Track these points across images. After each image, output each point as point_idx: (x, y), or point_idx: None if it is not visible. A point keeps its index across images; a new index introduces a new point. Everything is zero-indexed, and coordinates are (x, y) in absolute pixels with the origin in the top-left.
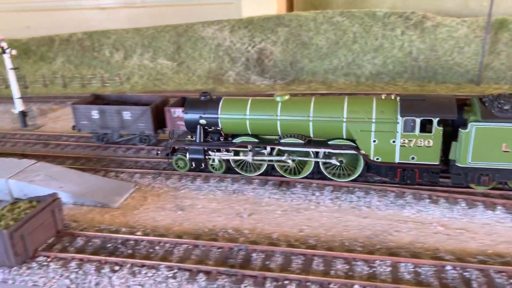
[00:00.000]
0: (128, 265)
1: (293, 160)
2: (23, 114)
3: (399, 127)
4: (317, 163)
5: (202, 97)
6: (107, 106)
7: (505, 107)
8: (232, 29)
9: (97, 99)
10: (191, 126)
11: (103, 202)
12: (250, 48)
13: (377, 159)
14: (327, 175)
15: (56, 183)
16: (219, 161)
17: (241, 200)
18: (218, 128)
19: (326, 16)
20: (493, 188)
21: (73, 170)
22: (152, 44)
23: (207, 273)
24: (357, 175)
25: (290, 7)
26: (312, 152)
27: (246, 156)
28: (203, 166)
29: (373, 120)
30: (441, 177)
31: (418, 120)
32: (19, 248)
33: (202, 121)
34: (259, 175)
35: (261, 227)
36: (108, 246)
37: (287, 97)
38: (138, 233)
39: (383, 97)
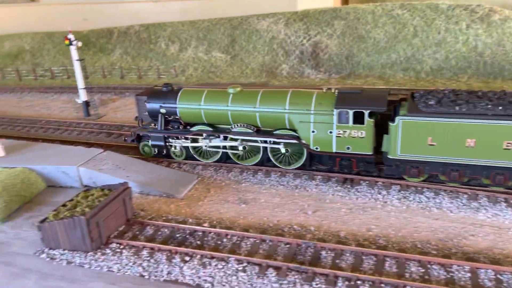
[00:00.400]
0: (198, 256)
1: (244, 148)
2: (87, 104)
3: (335, 119)
4: (266, 151)
5: (164, 88)
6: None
7: (430, 102)
8: (287, 22)
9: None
10: (153, 115)
11: (168, 192)
12: (305, 41)
13: (316, 148)
14: (274, 162)
15: (123, 172)
16: (179, 148)
17: (304, 196)
18: (177, 117)
19: (385, 9)
20: None
21: (138, 160)
22: (207, 36)
23: (277, 268)
24: (301, 163)
25: (345, 0)
26: (261, 141)
27: (202, 143)
28: (165, 152)
29: (312, 112)
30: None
31: (351, 112)
32: (95, 234)
33: (163, 110)
34: (215, 161)
35: (327, 224)
36: (177, 236)
37: (238, 89)
38: (205, 224)
39: (324, 90)
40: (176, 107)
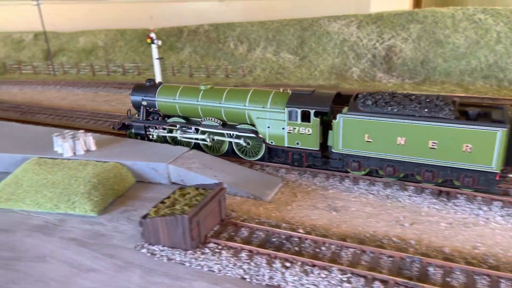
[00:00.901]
0: (299, 263)
1: (212, 140)
2: None
3: (286, 116)
4: (231, 143)
5: (147, 83)
6: None
7: (368, 103)
8: (359, 24)
9: None
10: (136, 107)
11: (255, 194)
12: (377, 45)
13: (271, 142)
14: (238, 153)
15: (210, 172)
16: (158, 136)
17: (398, 207)
18: (156, 109)
19: (466, 13)
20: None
21: (223, 160)
22: (276, 37)
23: (383, 282)
24: (260, 155)
25: (417, 3)
26: (227, 134)
27: (177, 134)
28: (146, 139)
29: (267, 109)
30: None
31: (299, 111)
32: (195, 233)
33: (144, 103)
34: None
35: (427, 238)
36: (273, 240)
37: (209, 86)
38: (300, 230)
39: (281, 90)
40: (155, 100)
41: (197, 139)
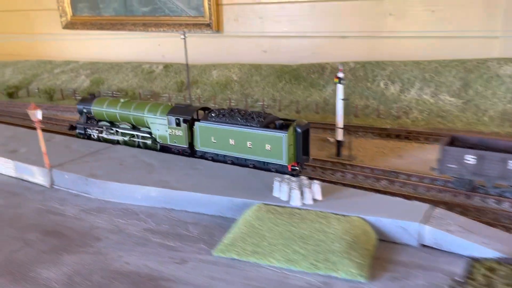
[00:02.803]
0: None
1: (127, 139)
2: (339, 143)
3: (167, 122)
4: (139, 141)
5: (89, 96)
6: (489, 152)
7: (213, 115)
8: None
9: (454, 141)
10: (80, 113)
11: None
12: None
13: (160, 141)
14: (143, 148)
15: (475, 237)
16: (94, 135)
17: None
18: (92, 115)
19: None
20: None
21: (479, 223)
22: (435, 78)
23: None
24: (157, 149)
25: None
26: (135, 134)
27: (103, 134)
28: (87, 137)
29: (157, 117)
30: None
31: (174, 118)
32: None
33: (84, 110)
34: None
35: None
36: None
37: (127, 99)
38: None
39: (170, 103)
40: (91, 109)
41: (118, 141)
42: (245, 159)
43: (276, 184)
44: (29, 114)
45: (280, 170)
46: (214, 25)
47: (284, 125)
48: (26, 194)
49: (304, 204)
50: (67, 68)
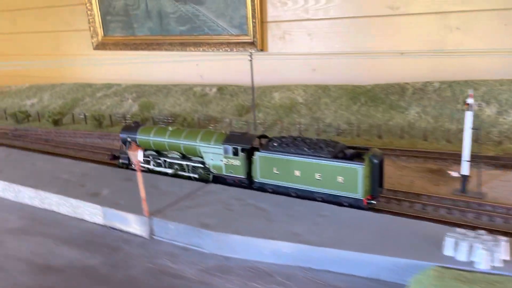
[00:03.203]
0: None
1: (176, 169)
2: (465, 178)
3: (223, 151)
4: (189, 171)
5: (133, 124)
6: None
7: (275, 144)
8: None
9: None
10: (124, 142)
11: None
12: None
13: (214, 171)
14: (194, 179)
15: None
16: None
17: None
18: (138, 145)
19: None
20: None
21: None
22: None
23: None
24: (210, 180)
25: None
26: (185, 164)
27: (150, 165)
28: (130, 167)
29: (211, 146)
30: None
31: (231, 148)
32: None
33: (128, 139)
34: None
35: None
36: None
37: (175, 128)
38: None
39: (223, 131)
40: (136, 137)
41: (166, 173)
42: (312, 192)
43: (449, 241)
44: (130, 155)
45: (354, 204)
46: (258, 44)
47: (355, 155)
48: (125, 248)
49: (493, 267)
50: (110, 92)
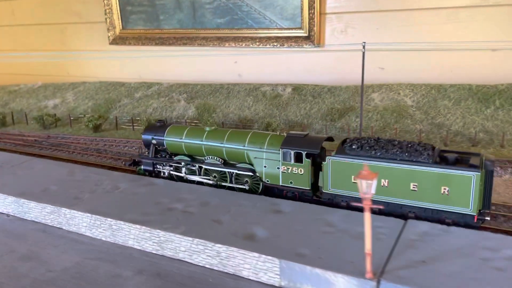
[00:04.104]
0: None
1: (214, 177)
2: None
3: (280, 157)
4: (231, 180)
5: (157, 123)
6: None
7: (353, 147)
8: None
9: None
10: (147, 145)
11: None
12: None
13: (267, 181)
14: (237, 190)
15: None
16: (164, 173)
17: None
18: (164, 148)
19: None
20: None
21: None
22: None
23: None
24: (258, 192)
25: None
26: (228, 172)
27: (181, 172)
28: (154, 175)
29: (264, 150)
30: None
31: (292, 152)
32: None
33: (153, 141)
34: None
35: None
36: None
37: (213, 128)
38: None
39: (278, 133)
40: (163, 139)
41: (202, 183)
42: (401, 205)
43: None
44: (359, 184)
45: (462, 221)
46: (316, 38)
47: (459, 160)
48: None
49: None
50: (150, 92)
